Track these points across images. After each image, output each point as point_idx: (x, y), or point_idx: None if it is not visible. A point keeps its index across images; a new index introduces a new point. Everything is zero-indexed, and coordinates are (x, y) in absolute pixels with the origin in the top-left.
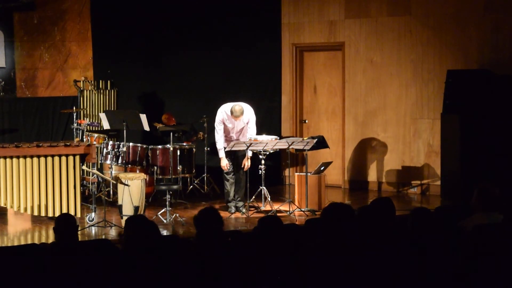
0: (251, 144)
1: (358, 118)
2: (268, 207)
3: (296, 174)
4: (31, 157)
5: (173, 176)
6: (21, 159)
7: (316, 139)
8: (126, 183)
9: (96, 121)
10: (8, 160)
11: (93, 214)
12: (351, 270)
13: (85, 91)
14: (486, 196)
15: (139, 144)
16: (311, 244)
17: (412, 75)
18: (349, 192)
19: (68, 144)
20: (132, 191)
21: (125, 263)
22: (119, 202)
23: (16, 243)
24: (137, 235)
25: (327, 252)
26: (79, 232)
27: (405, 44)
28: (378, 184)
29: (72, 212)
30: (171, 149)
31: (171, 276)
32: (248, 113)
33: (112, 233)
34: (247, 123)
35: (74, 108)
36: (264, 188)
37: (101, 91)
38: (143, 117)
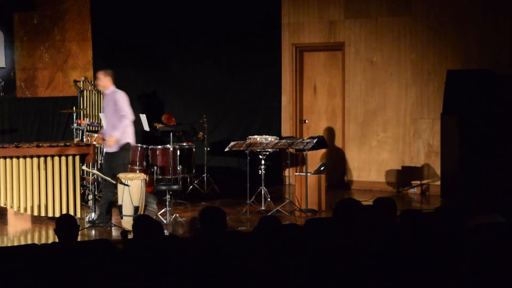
0: (250, 144)
1: (358, 118)
2: (268, 207)
3: (296, 174)
4: (31, 157)
5: (173, 176)
6: (21, 159)
7: (316, 139)
8: (126, 183)
9: (96, 121)
10: (8, 160)
11: (93, 214)
12: (355, 269)
13: (85, 91)
14: (488, 198)
15: (139, 144)
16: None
17: (412, 75)
18: (349, 192)
19: (68, 144)
20: (132, 191)
21: (128, 262)
22: (119, 202)
23: (16, 243)
24: (144, 234)
25: (334, 251)
26: (79, 233)
27: (405, 44)
28: (378, 184)
29: (72, 212)
30: (171, 149)
31: (171, 276)
32: (113, 94)
33: (112, 233)
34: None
35: (74, 108)
36: (264, 188)
37: (101, 91)
38: (143, 117)
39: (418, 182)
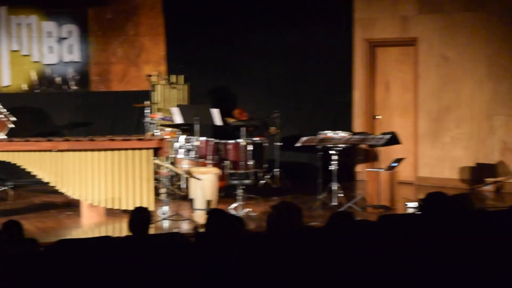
0: (322, 139)
1: (431, 114)
2: (340, 203)
3: (368, 170)
4: (105, 150)
5: (245, 171)
6: (95, 153)
7: (389, 135)
8: (198, 177)
9: (169, 115)
10: (82, 153)
11: (166, 207)
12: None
13: (158, 85)
14: None
15: (211, 139)
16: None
17: (487, 71)
18: (421, 189)
19: (141, 138)
20: (204, 185)
21: (199, 256)
22: (192, 196)
23: (89, 235)
24: (221, 228)
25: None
26: (152, 226)
27: (479, 39)
28: (451, 181)
29: (145, 206)
30: (243, 144)
31: (243, 271)
32: None
33: (185, 226)
34: None
35: (147, 102)
36: (336, 183)
37: (174, 86)
38: (216, 111)
39: (492, 179)
